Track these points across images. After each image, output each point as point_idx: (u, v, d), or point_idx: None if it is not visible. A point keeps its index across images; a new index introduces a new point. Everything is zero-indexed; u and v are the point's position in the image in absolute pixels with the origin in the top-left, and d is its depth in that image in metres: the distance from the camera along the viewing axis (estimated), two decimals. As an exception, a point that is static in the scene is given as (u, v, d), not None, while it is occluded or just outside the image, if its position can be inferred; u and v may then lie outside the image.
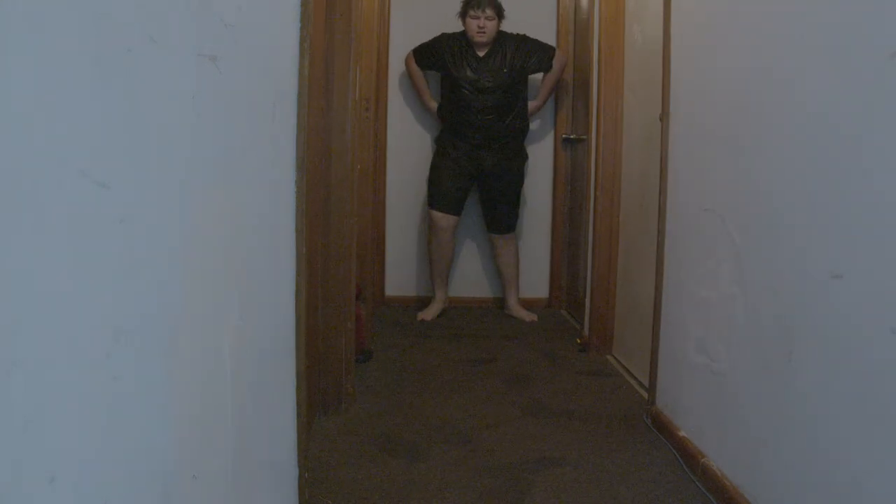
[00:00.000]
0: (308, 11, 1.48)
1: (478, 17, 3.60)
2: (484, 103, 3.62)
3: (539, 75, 3.81)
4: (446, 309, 3.89)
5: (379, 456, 2.06)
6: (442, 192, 3.70)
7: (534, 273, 4.18)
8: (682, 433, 2.07)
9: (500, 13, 3.64)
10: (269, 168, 1.29)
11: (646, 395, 2.48)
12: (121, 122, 0.69)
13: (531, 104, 3.82)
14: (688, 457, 1.99)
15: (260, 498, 1.26)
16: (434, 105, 3.86)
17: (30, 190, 0.54)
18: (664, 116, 2.25)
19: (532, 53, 3.70)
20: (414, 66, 3.82)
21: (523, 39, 3.72)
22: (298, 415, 1.55)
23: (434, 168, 3.76)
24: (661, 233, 2.28)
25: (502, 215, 3.80)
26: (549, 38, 4.06)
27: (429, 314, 3.77)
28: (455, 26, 3.73)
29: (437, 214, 3.71)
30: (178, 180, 0.84)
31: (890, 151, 1.17)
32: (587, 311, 3.28)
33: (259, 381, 1.24)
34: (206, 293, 0.96)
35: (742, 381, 1.72)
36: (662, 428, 2.21)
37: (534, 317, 3.84)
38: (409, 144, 4.08)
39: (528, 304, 4.03)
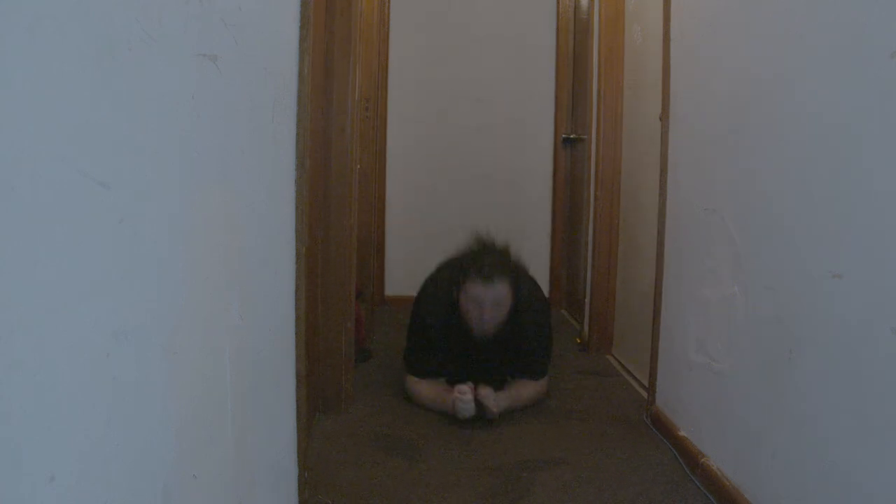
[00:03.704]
0: (308, 11, 1.48)
1: (480, 305, 2.35)
2: (482, 371, 2.49)
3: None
4: None
5: (379, 456, 2.06)
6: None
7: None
8: (681, 433, 2.07)
9: (511, 304, 2.41)
10: (269, 168, 1.29)
11: (646, 394, 2.48)
12: (121, 122, 0.69)
13: (497, 399, 2.36)
14: (687, 456, 1.99)
15: (260, 498, 1.26)
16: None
17: (30, 190, 0.54)
18: (664, 116, 2.24)
19: (523, 360, 2.55)
20: (419, 388, 2.52)
21: (531, 332, 2.55)
22: (298, 414, 1.55)
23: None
24: (660, 232, 2.28)
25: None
26: (549, 37, 4.06)
27: None
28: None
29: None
30: (177, 180, 0.84)
31: (890, 151, 1.17)
32: (587, 310, 3.28)
33: (259, 380, 1.24)
34: (206, 293, 0.96)
35: (742, 381, 1.72)
36: (662, 427, 2.21)
37: None
38: (409, 144, 4.08)
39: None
